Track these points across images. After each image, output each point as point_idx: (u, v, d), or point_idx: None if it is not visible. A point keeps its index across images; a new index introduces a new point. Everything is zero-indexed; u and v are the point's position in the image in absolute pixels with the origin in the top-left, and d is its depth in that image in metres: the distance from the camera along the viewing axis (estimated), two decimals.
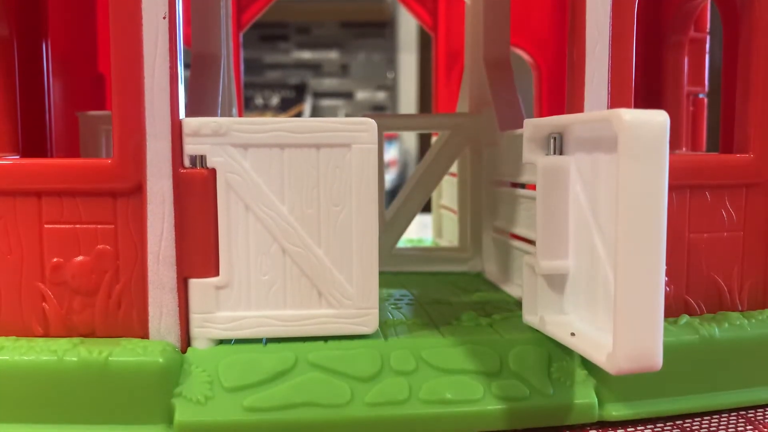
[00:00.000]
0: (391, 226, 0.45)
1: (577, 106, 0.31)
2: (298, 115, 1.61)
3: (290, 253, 0.29)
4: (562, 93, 0.60)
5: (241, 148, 0.28)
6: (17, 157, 0.39)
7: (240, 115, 0.59)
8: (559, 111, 0.60)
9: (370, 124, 0.29)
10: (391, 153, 1.68)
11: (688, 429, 0.29)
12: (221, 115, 0.43)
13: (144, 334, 0.29)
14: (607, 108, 0.30)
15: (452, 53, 0.59)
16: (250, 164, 0.28)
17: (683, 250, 0.32)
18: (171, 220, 0.28)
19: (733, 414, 0.30)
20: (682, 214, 0.32)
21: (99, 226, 0.29)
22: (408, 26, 1.74)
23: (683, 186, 0.32)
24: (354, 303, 0.29)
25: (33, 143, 0.40)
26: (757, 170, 0.33)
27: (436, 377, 0.29)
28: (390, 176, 1.58)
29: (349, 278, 0.29)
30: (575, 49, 0.31)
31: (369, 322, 0.30)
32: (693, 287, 0.33)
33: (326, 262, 0.29)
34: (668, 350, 0.30)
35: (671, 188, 0.31)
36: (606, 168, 0.26)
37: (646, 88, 0.46)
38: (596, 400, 0.29)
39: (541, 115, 0.61)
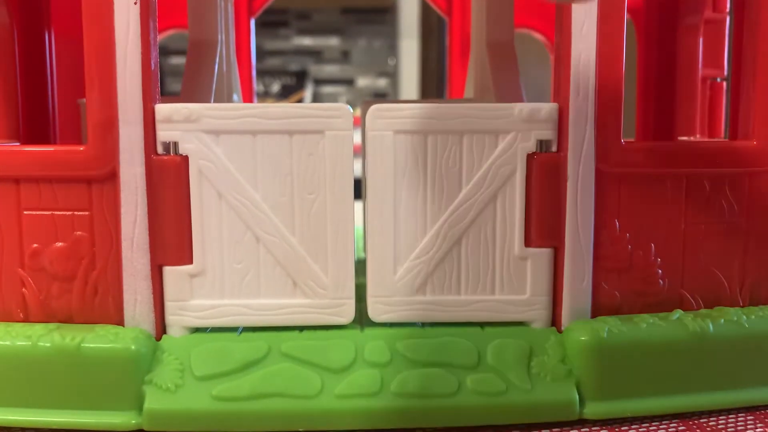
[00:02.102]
0: None
1: (563, 90, 0.29)
2: (299, 101, 1.61)
3: (264, 242, 0.29)
4: None
5: (213, 134, 0.28)
6: (17, 143, 0.40)
7: (249, 102, 0.59)
8: None
9: (344, 110, 0.28)
10: None
11: (673, 430, 0.28)
12: (219, 102, 0.43)
13: (119, 321, 0.29)
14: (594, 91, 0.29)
15: (466, 37, 0.57)
16: (222, 151, 0.28)
17: (678, 242, 0.31)
18: (144, 207, 0.28)
19: (722, 415, 0.29)
20: (677, 204, 0.31)
21: (75, 213, 0.29)
22: (409, 12, 1.72)
23: (678, 174, 0.30)
24: (329, 293, 0.29)
25: (35, 130, 0.40)
26: (760, 158, 0.31)
27: (409, 370, 0.28)
28: None
29: (324, 268, 0.29)
30: (563, 29, 0.29)
31: (344, 313, 0.29)
32: (689, 281, 0.31)
33: (300, 251, 0.29)
34: (655, 346, 0.29)
35: (665, 176, 0.30)
36: None
37: (659, 72, 0.44)
38: (577, 397, 0.28)
39: None
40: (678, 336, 0.29)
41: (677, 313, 0.30)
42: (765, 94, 0.31)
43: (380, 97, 1.76)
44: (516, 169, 0.29)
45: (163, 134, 0.28)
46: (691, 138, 0.42)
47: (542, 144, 0.29)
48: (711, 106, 0.45)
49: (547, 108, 0.29)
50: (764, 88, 0.31)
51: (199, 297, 0.29)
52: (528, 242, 0.30)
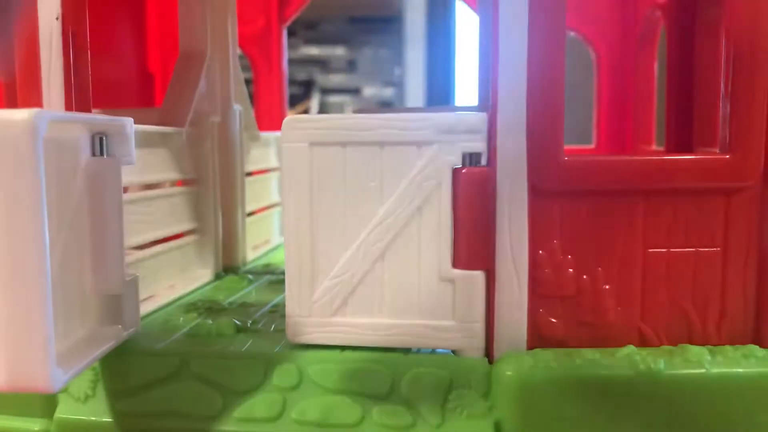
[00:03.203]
0: None
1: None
2: (306, 111, 1.60)
3: None
4: (626, 80, 0.53)
5: None
6: None
7: (281, 111, 0.59)
8: (621, 102, 0.54)
9: (11, 120, 0.21)
10: None
11: None
12: (219, 113, 0.43)
13: None
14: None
15: None
16: None
17: (636, 269, 0.27)
18: None
19: None
20: (632, 226, 0.27)
21: None
22: (415, 22, 1.69)
23: (634, 191, 0.27)
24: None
25: None
26: (737, 173, 0.27)
27: (315, 396, 0.27)
28: None
29: None
30: (491, 27, 0.27)
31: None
32: (650, 313, 0.27)
33: None
34: (592, 385, 0.25)
35: (616, 194, 0.27)
36: None
37: (678, 82, 0.39)
38: None
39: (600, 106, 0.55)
40: (620, 375, 0.25)
41: (627, 349, 0.26)
42: (739, 101, 0.26)
43: (386, 106, 1.74)
44: (441, 183, 0.27)
45: None
46: (709, 150, 0.37)
47: (471, 157, 0.27)
48: None
49: (473, 117, 0.27)
50: (740, 96, 0.27)
51: None
52: (456, 263, 0.27)
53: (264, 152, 0.53)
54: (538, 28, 0.26)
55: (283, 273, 0.44)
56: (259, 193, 0.52)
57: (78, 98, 0.29)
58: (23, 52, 0.29)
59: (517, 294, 0.27)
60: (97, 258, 0.27)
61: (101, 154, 0.27)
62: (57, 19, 0.28)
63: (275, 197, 0.55)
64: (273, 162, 0.55)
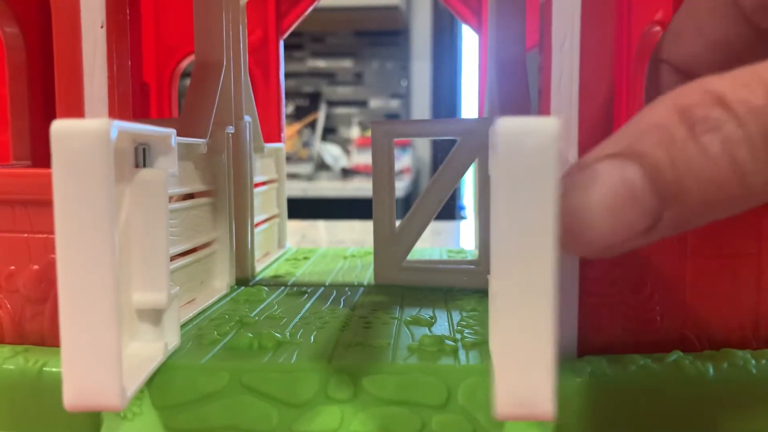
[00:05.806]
0: (400, 238, 0.43)
1: (544, 109, 0.27)
2: (313, 123, 1.62)
3: None
4: (619, 94, 0.55)
5: None
6: (29, 163, 0.41)
7: (279, 123, 0.59)
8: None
9: (85, 129, 0.20)
10: (404, 161, 1.66)
11: None
12: (233, 124, 0.42)
13: None
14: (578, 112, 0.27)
15: None
16: None
17: (680, 276, 0.28)
18: None
19: None
20: (678, 235, 0.28)
21: (49, 236, 0.29)
22: (421, 34, 1.75)
23: None
24: None
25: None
26: None
27: (372, 407, 0.26)
28: (403, 184, 1.55)
29: None
30: (544, 46, 0.27)
31: None
32: (693, 320, 0.28)
33: None
34: (645, 391, 0.26)
35: None
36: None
37: None
38: None
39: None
40: (672, 380, 0.26)
41: (675, 355, 0.27)
42: None
43: (393, 117, 1.78)
44: None
45: None
46: None
47: None
48: None
49: None
50: None
51: None
52: None
53: (267, 163, 0.52)
54: (589, 49, 0.27)
55: (297, 285, 0.43)
56: (263, 204, 0.51)
57: (119, 108, 0.28)
58: (63, 60, 0.28)
59: (568, 304, 0.27)
60: (144, 271, 0.26)
61: (143, 165, 0.27)
62: (102, 27, 0.27)
63: (275, 209, 0.55)
64: (274, 173, 0.54)
